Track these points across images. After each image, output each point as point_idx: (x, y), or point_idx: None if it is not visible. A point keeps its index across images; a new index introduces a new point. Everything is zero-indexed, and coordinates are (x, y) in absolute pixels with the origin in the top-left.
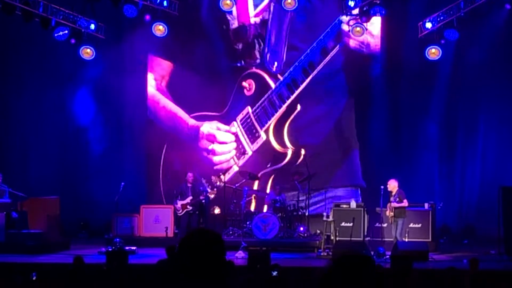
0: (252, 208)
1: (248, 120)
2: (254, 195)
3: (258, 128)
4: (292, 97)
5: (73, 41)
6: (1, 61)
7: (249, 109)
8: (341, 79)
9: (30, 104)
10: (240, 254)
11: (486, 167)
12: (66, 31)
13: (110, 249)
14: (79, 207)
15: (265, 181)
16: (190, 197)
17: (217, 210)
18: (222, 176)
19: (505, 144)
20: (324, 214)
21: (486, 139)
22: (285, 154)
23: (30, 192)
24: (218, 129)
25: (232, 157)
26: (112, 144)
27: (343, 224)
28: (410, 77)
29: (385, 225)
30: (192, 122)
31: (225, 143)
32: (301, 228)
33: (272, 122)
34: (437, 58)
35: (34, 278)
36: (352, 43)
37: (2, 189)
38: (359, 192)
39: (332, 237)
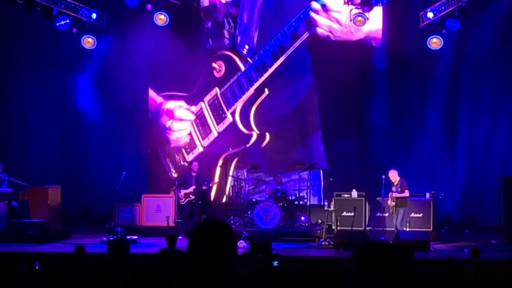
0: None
1: (216, 101)
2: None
3: (225, 109)
4: (261, 80)
5: (74, 30)
6: (3, 50)
7: (217, 90)
8: (306, 60)
9: (31, 93)
10: (241, 243)
11: (487, 157)
12: (68, 21)
13: (111, 238)
14: (80, 196)
15: (229, 163)
16: (194, 186)
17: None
18: (186, 156)
19: (507, 134)
20: (325, 203)
21: (488, 129)
22: (250, 136)
23: (31, 181)
24: (180, 107)
25: (191, 135)
26: (113, 133)
27: (344, 213)
28: (411, 67)
29: (386, 214)
30: (159, 100)
31: (181, 120)
32: (302, 218)
33: (239, 104)
34: (438, 48)
35: (37, 268)
36: (320, 31)
37: (1, 177)
38: (321, 174)
39: (333, 227)
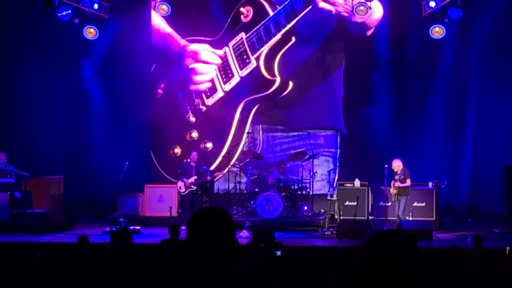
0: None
1: (241, 46)
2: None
3: (250, 54)
4: (289, 25)
5: (76, 21)
6: (5, 41)
7: (243, 35)
8: (335, 26)
9: (34, 84)
10: (244, 233)
11: (490, 146)
12: (70, 11)
13: (114, 229)
14: (83, 187)
15: (248, 108)
16: (195, 177)
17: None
18: (206, 100)
19: (510, 123)
20: (328, 193)
21: (491, 118)
22: (272, 82)
23: (34, 172)
24: (206, 50)
25: (212, 79)
26: (116, 124)
27: (347, 203)
28: (414, 56)
29: (389, 204)
30: (183, 43)
31: (207, 63)
32: (305, 207)
33: (264, 49)
34: (441, 37)
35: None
36: None
37: (7, 169)
38: (338, 137)
39: (336, 216)
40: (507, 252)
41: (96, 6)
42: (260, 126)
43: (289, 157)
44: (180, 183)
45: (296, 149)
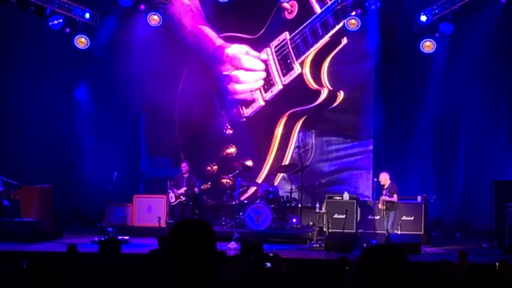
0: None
1: (284, 48)
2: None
3: (294, 58)
4: (338, 26)
5: (67, 30)
6: None
7: (286, 34)
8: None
9: (24, 92)
10: (232, 245)
11: (479, 161)
12: (61, 20)
13: (102, 238)
14: (72, 196)
15: (293, 122)
16: (185, 188)
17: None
18: (244, 110)
19: (499, 137)
20: (317, 205)
21: (480, 132)
22: (319, 93)
23: (23, 180)
24: (247, 53)
25: (258, 89)
26: (105, 134)
27: (335, 216)
28: (404, 70)
29: (377, 217)
30: (219, 42)
31: (251, 71)
32: (294, 220)
33: (310, 53)
34: (431, 51)
35: (24, 267)
36: None
37: None
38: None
39: (324, 229)
40: (496, 268)
41: (87, 15)
42: (313, 130)
43: (277, 169)
44: (170, 194)
45: (355, 156)
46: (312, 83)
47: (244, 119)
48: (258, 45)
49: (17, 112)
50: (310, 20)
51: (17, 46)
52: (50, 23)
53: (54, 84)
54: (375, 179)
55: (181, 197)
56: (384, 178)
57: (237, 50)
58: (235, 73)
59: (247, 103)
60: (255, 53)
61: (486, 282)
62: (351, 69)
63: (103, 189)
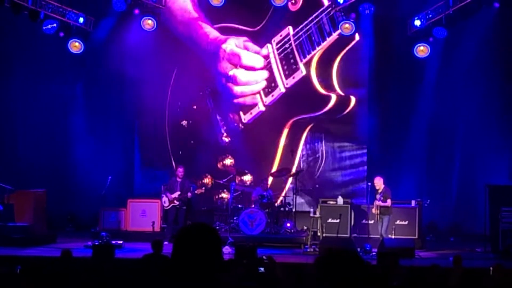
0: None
1: (287, 45)
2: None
3: (298, 58)
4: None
5: (61, 34)
6: None
7: (290, 29)
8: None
9: (18, 97)
10: (227, 249)
11: (473, 165)
12: (55, 24)
13: (96, 243)
14: (66, 201)
15: (299, 129)
16: (178, 192)
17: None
18: (242, 115)
19: (493, 142)
20: (311, 210)
21: (474, 137)
22: (327, 99)
23: (17, 185)
24: (246, 48)
25: (259, 92)
26: (99, 138)
27: (329, 220)
28: (398, 74)
29: (371, 222)
30: (214, 34)
31: (252, 69)
32: (288, 224)
33: (317, 53)
34: (425, 55)
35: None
36: None
37: None
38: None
39: (318, 233)
40: (491, 273)
41: (81, 19)
42: (323, 135)
43: (271, 174)
44: (164, 198)
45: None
46: (318, 87)
47: (242, 126)
48: (258, 39)
49: (11, 116)
50: (317, 14)
51: (11, 50)
52: (44, 28)
53: (49, 88)
54: (369, 184)
55: (175, 201)
56: (379, 183)
57: (235, 44)
58: (233, 72)
59: (246, 107)
60: (255, 47)
61: (480, 287)
62: (345, 73)
63: (97, 193)
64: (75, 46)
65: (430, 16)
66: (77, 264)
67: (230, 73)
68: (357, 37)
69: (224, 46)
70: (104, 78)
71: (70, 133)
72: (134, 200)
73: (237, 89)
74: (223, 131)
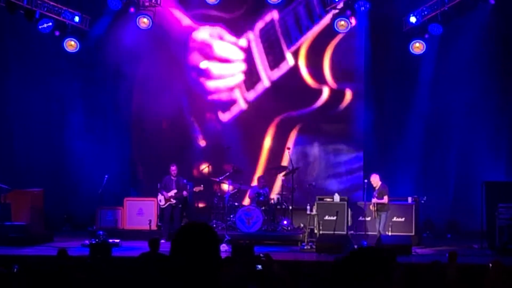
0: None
1: (271, 32)
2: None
3: (284, 46)
4: (342, 2)
5: (57, 33)
6: None
7: (275, 14)
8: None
9: (14, 96)
10: (223, 247)
11: (469, 162)
12: (51, 23)
13: (93, 242)
14: (63, 200)
15: (285, 128)
16: (175, 191)
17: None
18: (220, 115)
19: (490, 139)
20: (308, 207)
21: (471, 134)
22: (319, 93)
23: (14, 184)
24: (220, 38)
25: (238, 86)
26: (96, 137)
27: (326, 217)
28: (394, 71)
29: (368, 219)
30: (186, 22)
31: (227, 62)
32: (285, 222)
33: (306, 40)
34: (421, 52)
35: (15, 271)
36: None
37: None
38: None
39: (315, 231)
40: (490, 269)
41: (77, 18)
42: (315, 135)
43: (268, 171)
44: (160, 196)
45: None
46: (308, 80)
47: (219, 127)
48: (236, 27)
49: (7, 115)
50: None
51: (7, 49)
52: (40, 27)
53: (45, 87)
54: (366, 180)
55: (171, 199)
56: (375, 180)
57: (208, 33)
58: (205, 65)
59: (224, 105)
60: (231, 38)
61: (477, 283)
62: (338, 64)
63: (94, 192)
64: (71, 45)
65: (426, 12)
66: (74, 263)
67: (202, 65)
68: (353, 22)
69: (194, 34)
70: (101, 77)
71: (66, 132)
72: (130, 198)
73: (211, 84)
74: (200, 133)
